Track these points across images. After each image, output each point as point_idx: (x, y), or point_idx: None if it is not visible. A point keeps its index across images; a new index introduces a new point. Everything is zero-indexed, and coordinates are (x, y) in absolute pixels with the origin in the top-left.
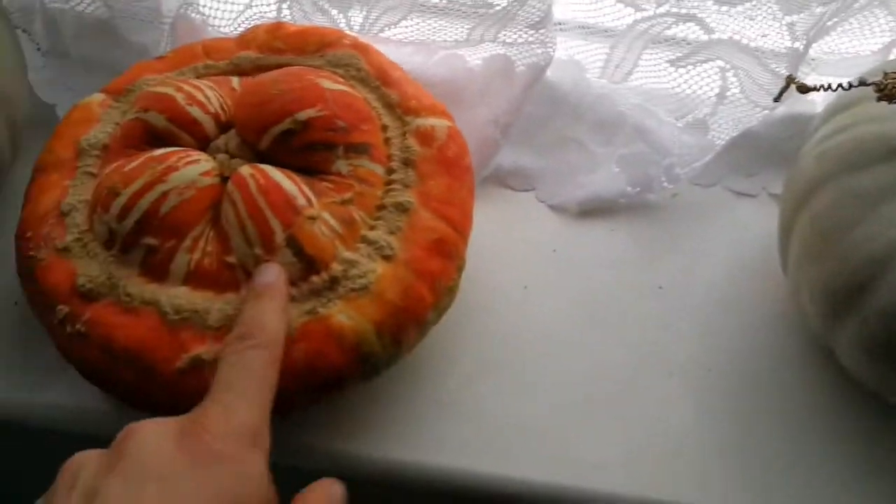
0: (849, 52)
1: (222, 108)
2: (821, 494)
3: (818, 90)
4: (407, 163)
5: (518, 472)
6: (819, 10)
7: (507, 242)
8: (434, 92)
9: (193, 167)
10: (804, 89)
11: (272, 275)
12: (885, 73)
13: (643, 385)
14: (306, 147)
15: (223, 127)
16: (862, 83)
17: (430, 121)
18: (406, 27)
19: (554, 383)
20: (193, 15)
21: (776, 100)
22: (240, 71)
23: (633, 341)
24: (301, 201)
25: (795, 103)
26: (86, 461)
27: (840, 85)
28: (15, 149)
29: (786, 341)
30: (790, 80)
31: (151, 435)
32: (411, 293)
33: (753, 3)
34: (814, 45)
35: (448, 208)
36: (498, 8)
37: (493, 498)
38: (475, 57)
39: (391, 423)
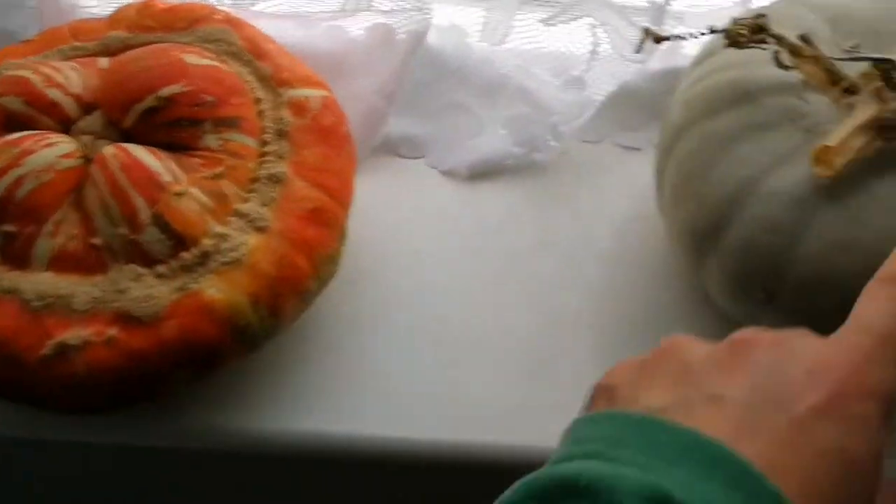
0: (713, 4)
1: (86, 90)
2: None
3: (671, 39)
4: (281, 134)
5: (419, 433)
6: None
7: (400, 210)
8: (318, 64)
9: (50, 150)
10: (659, 39)
11: None
12: (734, 21)
13: (538, 340)
14: (172, 123)
15: (88, 108)
16: (712, 31)
17: (304, 91)
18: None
19: (451, 345)
20: None
21: (637, 51)
22: (109, 51)
23: (527, 299)
24: (166, 178)
25: (673, 58)
26: (693, 347)
27: (691, 34)
28: None
29: (668, 289)
30: (647, 32)
31: (774, 354)
32: (286, 263)
33: None
34: None
35: (325, 177)
36: None
37: (397, 460)
38: (357, 28)
39: (288, 395)
